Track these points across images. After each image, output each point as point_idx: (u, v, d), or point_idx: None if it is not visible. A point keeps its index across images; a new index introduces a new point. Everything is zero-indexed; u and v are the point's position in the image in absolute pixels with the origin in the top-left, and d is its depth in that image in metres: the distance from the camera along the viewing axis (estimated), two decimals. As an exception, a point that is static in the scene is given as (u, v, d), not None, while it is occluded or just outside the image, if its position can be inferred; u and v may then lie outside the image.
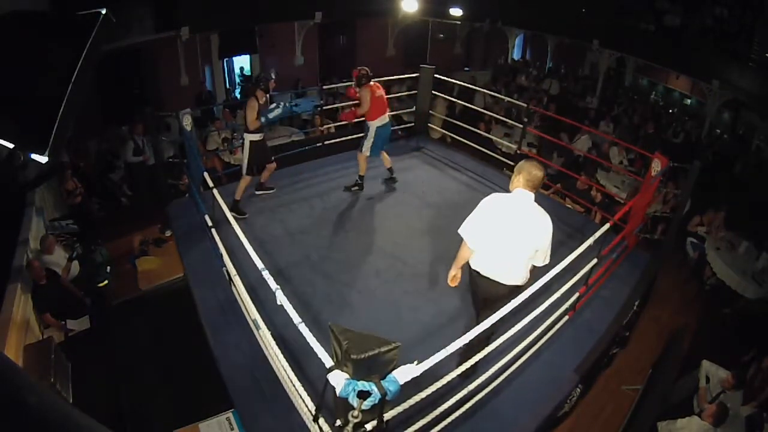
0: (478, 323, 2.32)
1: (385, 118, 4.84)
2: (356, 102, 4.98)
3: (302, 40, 9.90)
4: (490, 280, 2.61)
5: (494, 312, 2.30)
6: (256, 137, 4.47)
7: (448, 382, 2.23)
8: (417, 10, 8.49)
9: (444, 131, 7.09)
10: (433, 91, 6.38)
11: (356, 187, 5.15)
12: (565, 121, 6.26)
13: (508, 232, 2.51)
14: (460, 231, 2.59)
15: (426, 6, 9.00)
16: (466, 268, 2.74)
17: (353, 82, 4.82)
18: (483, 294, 2.70)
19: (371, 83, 4.76)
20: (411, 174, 5.72)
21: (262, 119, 4.36)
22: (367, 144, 4.89)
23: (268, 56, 10.13)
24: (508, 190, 2.74)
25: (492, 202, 2.57)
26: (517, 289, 2.56)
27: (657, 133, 8.41)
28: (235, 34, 9.22)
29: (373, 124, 4.84)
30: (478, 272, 2.64)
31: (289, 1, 8.71)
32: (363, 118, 4.87)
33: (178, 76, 8.76)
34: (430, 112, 6.67)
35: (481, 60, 13.55)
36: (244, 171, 4.53)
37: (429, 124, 6.80)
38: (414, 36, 12.00)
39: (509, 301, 2.32)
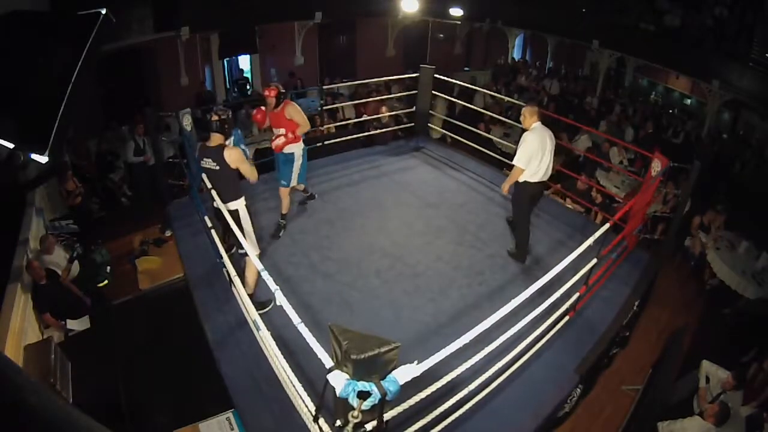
0: (523, 218, 4.11)
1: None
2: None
3: (302, 40, 9.91)
4: (539, 182, 3.95)
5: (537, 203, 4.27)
6: (244, 197, 3.43)
7: (448, 382, 2.23)
8: (417, 10, 8.50)
9: (444, 131, 7.08)
10: (433, 91, 6.38)
11: (282, 230, 4.38)
12: (565, 120, 6.26)
13: (545, 149, 3.85)
14: (515, 162, 3.85)
15: (426, 6, 9.00)
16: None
17: (269, 105, 3.97)
18: (531, 194, 4.01)
19: (288, 99, 4.05)
20: (411, 174, 5.72)
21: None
22: (295, 173, 4.18)
23: (268, 56, 10.13)
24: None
25: (532, 137, 3.82)
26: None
27: (655, 133, 8.39)
28: (235, 34, 9.22)
29: (300, 148, 4.13)
30: (528, 182, 3.91)
31: (289, 1, 8.72)
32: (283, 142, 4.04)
33: (178, 76, 8.76)
34: (430, 112, 6.67)
35: (481, 60, 13.55)
36: (256, 245, 3.49)
37: (429, 124, 6.80)
38: (414, 36, 12.00)
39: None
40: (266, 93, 3.94)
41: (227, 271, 3.32)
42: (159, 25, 7.15)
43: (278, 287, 2.46)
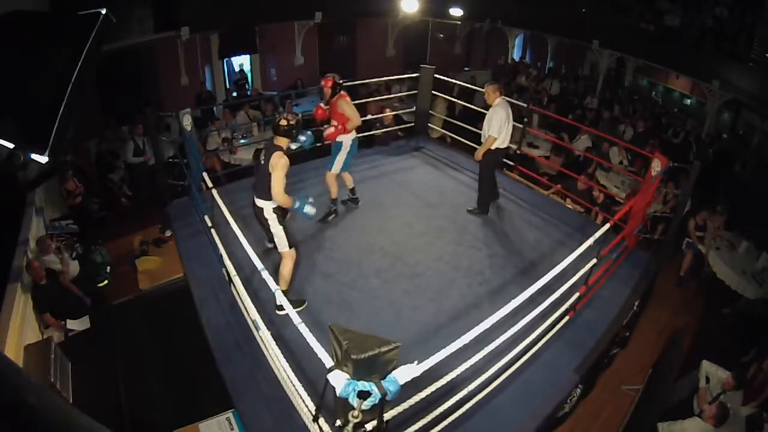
0: (490, 180, 4.83)
1: (355, 130, 4.36)
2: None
3: (302, 40, 9.90)
4: (504, 148, 4.65)
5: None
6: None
7: (448, 382, 2.23)
8: (417, 10, 8.49)
9: (444, 131, 7.06)
10: (433, 92, 6.37)
11: (333, 215, 4.60)
12: (565, 120, 6.27)
13: (509, 119, 4.51)
14: (491, 133, 4.44)
15: (426, 6, 8.99)
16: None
17: (325, 95, 4.18)
18: (498, 159, 4.80)
19: (343, 91, 4.24)
20: (411, 174, 5.72)
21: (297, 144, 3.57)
22: (339, 161, 4.38)
23: (268, 56, 10.13)
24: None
25: (501, 110, 4.42)
26: None
27: (647, 132, 8.36)
28: (235, 34, 9.22)
29: (349, 138, 4.31)
30: (498, 148, 4.57)
31: (289, 1, 8.72)
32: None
33: (178, 76, 8.76)
34: (430, 112, 6.66)
35: (481, 60, 13.55)
36: (286, 246, 3.42)
37: (429, 124, 6.79)
38: (414, 36, 11.99)
39: None
40: (323, 83, 4.16)
41: (227, 271, 3.33)
42: (159, 25, 7.14)
43: (278, 287, 2.47)
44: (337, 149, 4.38)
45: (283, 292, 3.13)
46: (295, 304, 3.29)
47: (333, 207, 4.62)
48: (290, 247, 3.41)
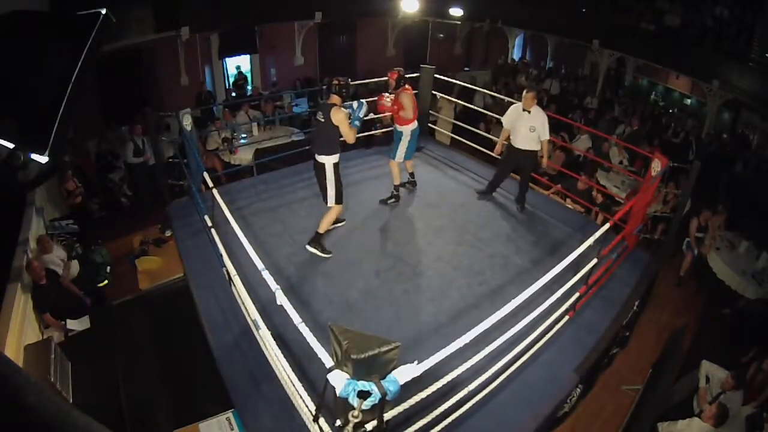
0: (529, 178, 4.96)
1: (416, 121, 4.75)
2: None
3: (302, 40, 9.91)
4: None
5: None
6: (338, 158, 3.83)
7: (448, 382, 2.23)
8: (417, 10, 8.49)
9: (451, 134, 7.00)
10: (438, 94, 6.36)
11: (393, 200, 4.90)
12: (565, 120, 6.27)
13: None
14: (547, 137, 4.58)
15: (426, 6, 9.00)
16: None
17: (390, 86, 4.56)
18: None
19: (406, 85, 4.58)
20: (411, 174, 5.71)
21: (356, 123, 3.76)
22: (401, 150, 4.70)
23: (268, 56, 10.14)
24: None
25: (542, 113, 4.57)
26: None
27: (641, 131, 8.37)
28: (235, 34, 9.23)
29: (408, 129, 4.64)
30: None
31: (289, 1, 8.72)
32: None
33: (178, 76, 8.77)
34: (433, 113, 6.65)
35: (481, 60, 13.56)
36: (334, 200, 3.90)
37: (434, 126, 6.77)
38: (414, 36, 12.01)
39: None
40: (389, 75, 4.60)
41: (227, 271, 3.33)
42: (159, 25, 7.15)
43: (278, 287, 2.46)
44: (398, 139, 4.70)
45: (320, 234, 4.00)
46: (323, 250, 4.01)
47: (395, 192, 4.90)
48: (338, 203, 3.92)
